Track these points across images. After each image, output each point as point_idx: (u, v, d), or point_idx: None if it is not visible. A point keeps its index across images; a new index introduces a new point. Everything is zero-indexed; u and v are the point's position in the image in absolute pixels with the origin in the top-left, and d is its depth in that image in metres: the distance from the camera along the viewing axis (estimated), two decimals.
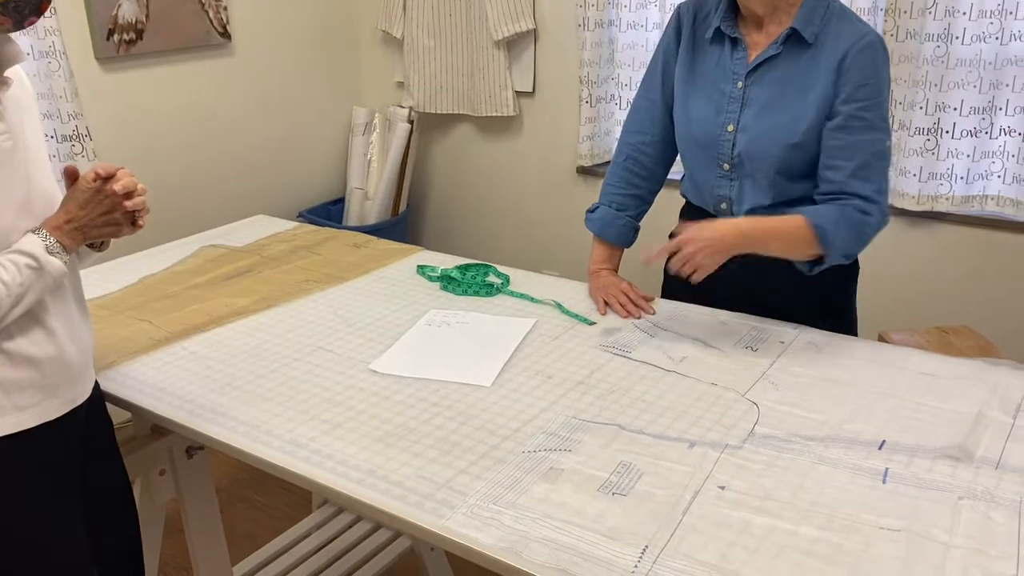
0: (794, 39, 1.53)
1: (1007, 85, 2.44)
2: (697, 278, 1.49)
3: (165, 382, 1.50)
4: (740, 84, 1.59)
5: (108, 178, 1.23)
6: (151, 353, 1.61)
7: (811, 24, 1.52)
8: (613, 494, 1.16)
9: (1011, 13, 2.36)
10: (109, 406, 1.48)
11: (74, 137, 2.55)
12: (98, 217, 1.24)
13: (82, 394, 1.35)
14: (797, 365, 1.50)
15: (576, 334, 1.65)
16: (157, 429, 1.68)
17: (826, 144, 1.52)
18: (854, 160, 1.49)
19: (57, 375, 1.28)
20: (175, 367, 1.56)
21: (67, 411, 1.31)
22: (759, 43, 1.58)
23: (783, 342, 1.58)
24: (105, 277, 1.96)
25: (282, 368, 1.54)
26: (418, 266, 2.00)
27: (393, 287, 1.90)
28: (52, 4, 1.20)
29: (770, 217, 1.52)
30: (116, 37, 2.73)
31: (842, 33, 1.51)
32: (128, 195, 1.25)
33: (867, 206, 1.49)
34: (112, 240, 1.37)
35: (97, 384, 1.43)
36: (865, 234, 1.51)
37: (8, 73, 1.21)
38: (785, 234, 1.49)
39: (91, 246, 1.35)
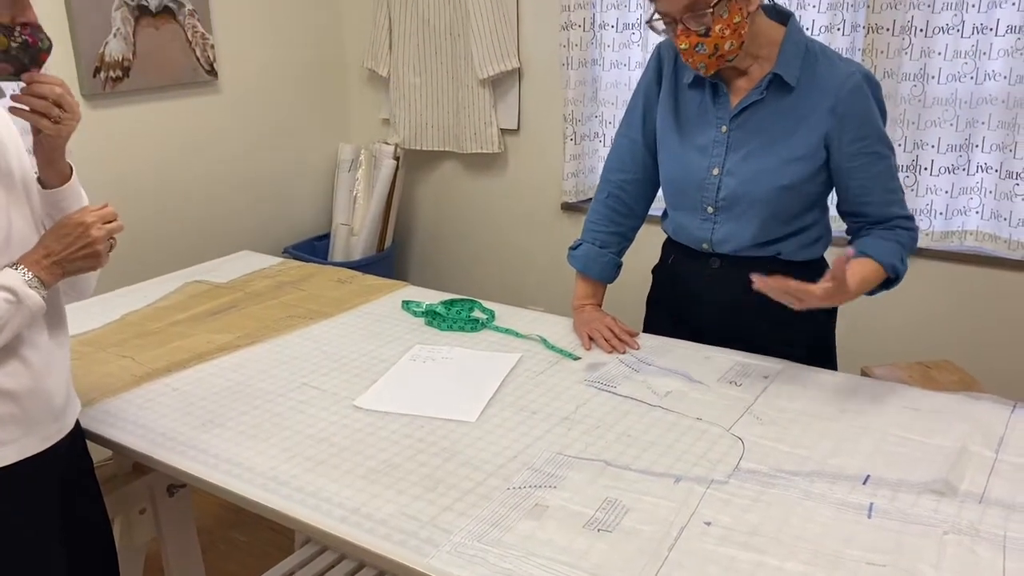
0: (777, 84, 1.55)
1: (983, 123, 2.49)
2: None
3: (147, 419, 1.49)
4: (724, 128, 1.60)
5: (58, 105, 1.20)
6: (133, 390, 1.59)
7: (792, 68, 1.54)
8: (599, 531, 1.16)
9: (984, 54, 2.42)
10: (90, 444, 1.46)
11: None
12: (78, 251, 1.24)
13: (62, 429, 1.33)
14: (781, 400, 1.51)
15: (561, 369, 1.65)
16: (138, 467, 1.66)
17: (848, 184, 1.58)
18: (882, 190, 1.59)
19: (36, 409, 1.27)
20: (157, 404, 1.54)
21: (48, 446, 1.30)
22: (741, 88, 1.59)
23: (767, 377, 1.59)
24: (88, 313, 1.95)
25: (265, 405, 1.53)
26: (403, 301, 2.00)
27: (378, 323, 1.90)
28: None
29: (857, 271, 1.53)
30: (103, 74, 2.74)
31: (826, 76, 1.53)
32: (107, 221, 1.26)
33: (908, 223, 1.60)
34: (96, 274, 1.36)
35: (77, 421, 1.42)
36: (914, 247, 1.62)
37: None
38: (871, 282, 1.56)
39: None
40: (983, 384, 2.20)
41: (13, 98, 1.19)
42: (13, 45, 1.14)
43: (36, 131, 1.22)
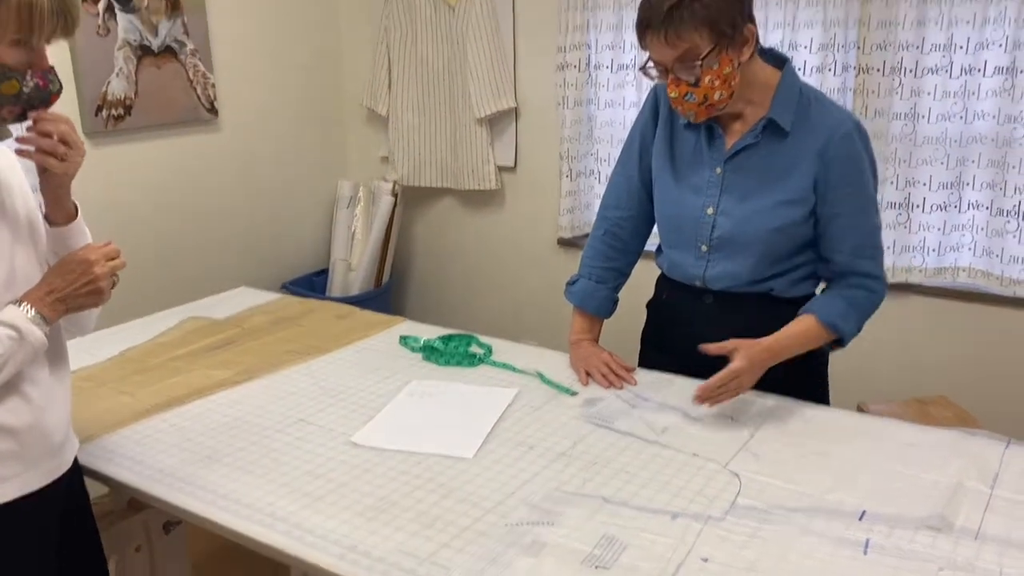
0: (771, 128, 1.58)
1: (973, 161, 2.53)
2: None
3: (144, 455, 1.49)
4: (718, 170, 1.62)
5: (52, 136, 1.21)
6: (131, 426, 1.59)
7: (786, 113, 1.56)
8: (597, 567, 1.16)
9: (973, 94, 2.46)
10: (86, 480, 1.46)
11: None
12: (81, 287, 1.25)
13: (61, 465, 1.33)
14: (777, 435, 1.51)
15: (558, 405, 1.66)
16: (134, 503, 1.65)
17: (825, 231, 1.60)
18: (854, 242, 1.59)
19: (36, 445, 1.27)
20: (155, 440, 1.54)
21: (47, 483, 1.29)
22: (736, 130, 1.61)
23: (762, 413, 1.59)
24: (87, 349, 1.95)
25: (263, 440, 1.53)
26: (401, 337, 2.00)
27: (376, 358, 1.90)
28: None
29: (788, 328, 1.58)
30: (105, 113, 2.77)
31: (819, 122, 1.56)
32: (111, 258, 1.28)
33: (872, 283, 1.60)
34: (97, 310, 1.37)
35: (75, 458, 1.41)
36: (872, 309, 1.62)
37: None
38: (804, 338, 1.59)
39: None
40: (978, 419, 2.21)
41: (19, 139, 1.21)
42: (24, 89, 1.16)
43: (42, 170, 1.24)
